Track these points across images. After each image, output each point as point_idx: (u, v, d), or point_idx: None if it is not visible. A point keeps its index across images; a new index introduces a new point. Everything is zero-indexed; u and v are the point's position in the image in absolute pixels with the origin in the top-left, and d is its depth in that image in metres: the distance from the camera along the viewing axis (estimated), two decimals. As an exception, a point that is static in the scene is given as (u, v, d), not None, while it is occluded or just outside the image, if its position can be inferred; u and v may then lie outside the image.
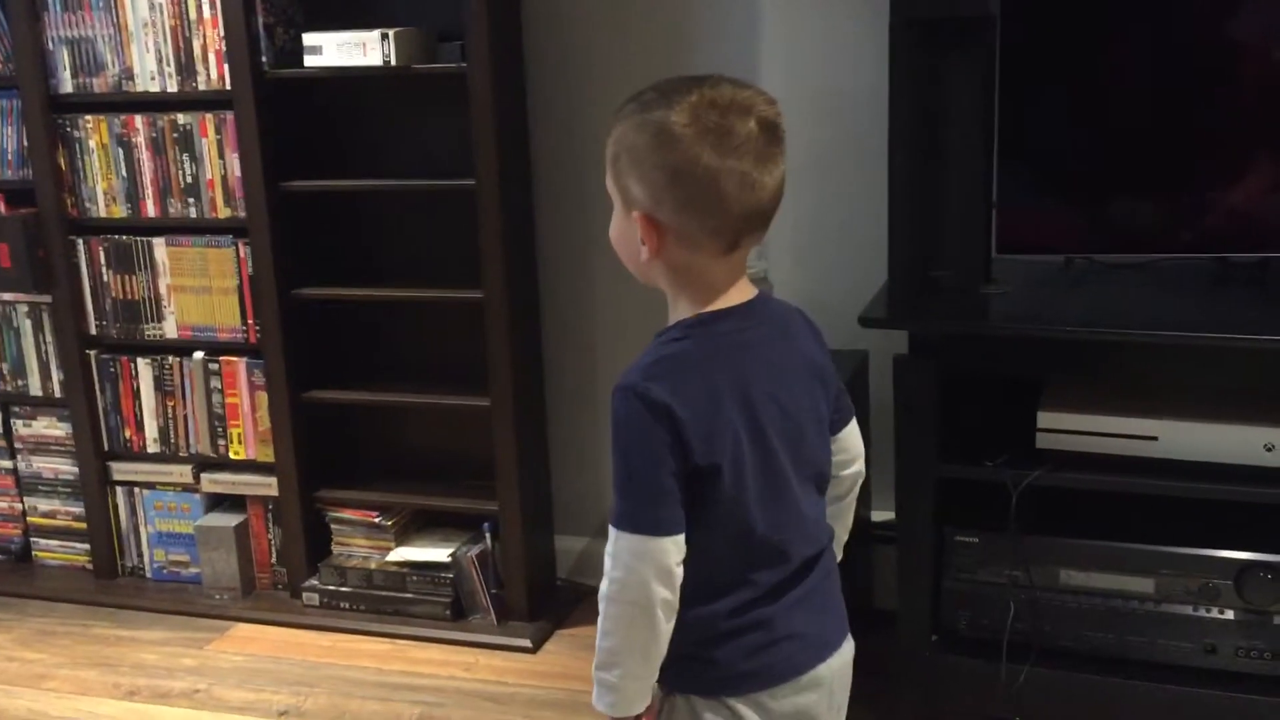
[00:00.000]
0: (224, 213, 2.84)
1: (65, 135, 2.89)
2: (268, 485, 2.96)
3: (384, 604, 2.89)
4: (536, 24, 2.76)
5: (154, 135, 2.83)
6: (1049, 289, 2.25)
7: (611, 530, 1.30)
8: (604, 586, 1.31)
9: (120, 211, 2.91)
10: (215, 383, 2.95)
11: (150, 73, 2.79)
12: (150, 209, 2.88)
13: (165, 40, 2.76)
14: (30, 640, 2.92)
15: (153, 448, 3.04)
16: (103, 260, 2.95)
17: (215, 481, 3.02)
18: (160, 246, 2.90)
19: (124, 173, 2.88)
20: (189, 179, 2.84)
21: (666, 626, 1.30)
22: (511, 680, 2.66)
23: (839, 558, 1.52)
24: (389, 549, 2.91)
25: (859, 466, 1.54)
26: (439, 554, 2.87)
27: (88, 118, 2.87)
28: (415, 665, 2.73)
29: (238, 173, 2.78)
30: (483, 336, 2.71)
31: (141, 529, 3.12)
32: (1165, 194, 2.17)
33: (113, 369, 3.01)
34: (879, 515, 2.60)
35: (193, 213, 2.86)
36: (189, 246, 2.88)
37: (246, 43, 2.67)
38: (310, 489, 2.94)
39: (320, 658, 2.78)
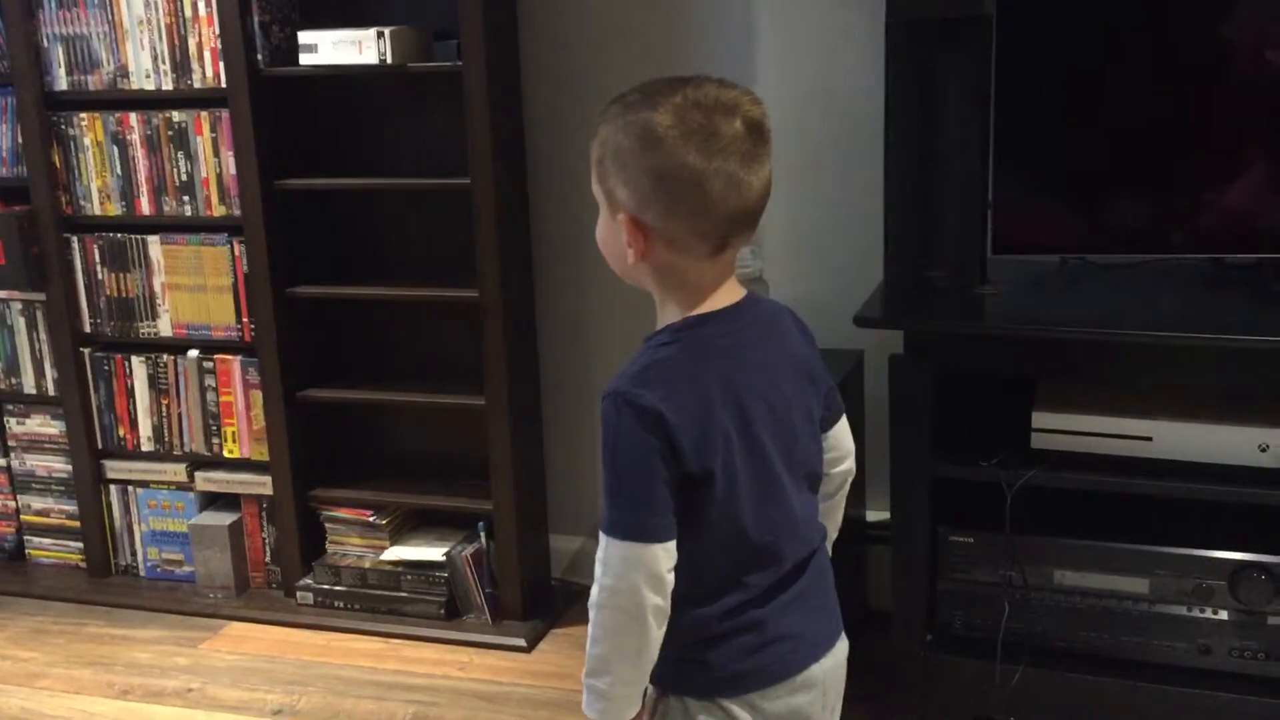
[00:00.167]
0: (219, 211, 2.83)
1: (60, 132, 2.88)
2: (262, 484, 2.96)
3: (378, 603, 2.89)
4: (532, 23, 2.76)
5: (149, 133, 2.83)
6: (1044, 289, 2.25)
7: (602, 537, 1.29)
8: (594, 593, 1.30)
9: (115, 209, 2.90)
10: (210, 381, 2.95)
11: (145, 70, 2.79)
12: (145, 207, 2.88)
13: (160, 38, 2.76)
14: (23, 639, 2.91)
15: (147, 446, 3.04)
16: (97, 258, 2.94)
17: (209, 480, 3.02)
18: (155, 244, 2.90)
19: (119, 170, 2.87)
20: (184, 177, 2.83)
21: (658, 633, 1.30)
22: (506, 679, 2.66)
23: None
24: (383, 548, 2.91)
25: (849, 464, 1.54)
26: (434, 553, 2.86)
27: (82, 115, 2.86)
28: (409, 664, 2.73)
29: (233, 171, 2.78)
30: (478, 335, 2.71)
31: (135, 527, 3.11)
32: (1160, 194, 2.17)
33: (107, 367, 3.01)
34: (874, 515, 2.61)
35: (187, 211, 2.85)
36: (184, 244, 2.88)
37: (242, 40, 2.66)
38: (305, 488, 2.94)
39: (314, 657, 2.78)
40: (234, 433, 2.96)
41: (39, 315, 3.04)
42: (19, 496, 3.20)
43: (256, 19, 2.67)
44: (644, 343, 1.35)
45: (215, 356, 2.93)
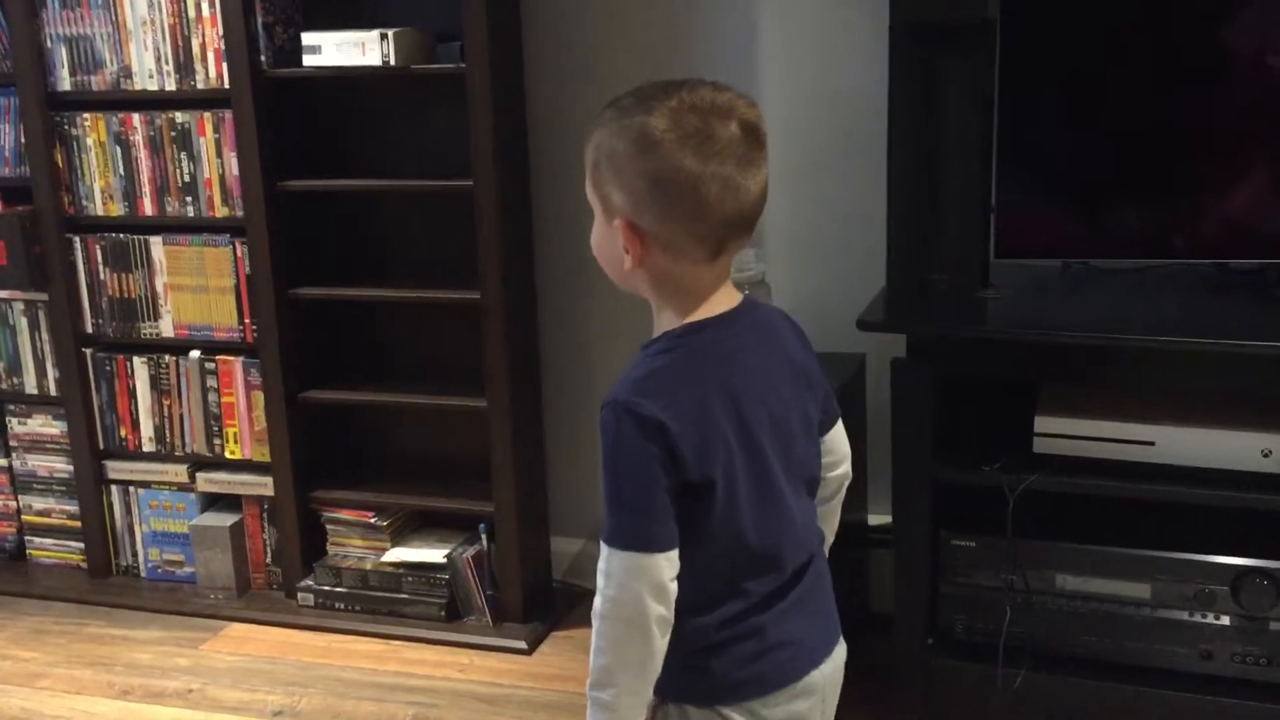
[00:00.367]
0: (221, 212, 2.83)
1: (63, 133, 2.88)
2: (263, 485, 2.96)
3: (379, 604, 2.89)
4: (536, 25, 2.76)
5: (152, 134, 2.83)
6: (1047, 293, 2.25)
7: (603, 547, 1.28)
8: (597, 604, 1.29)
9: (117, 210, 2.90)
10: (211, 382, 2.95)
11: (149, 71, 2.79)
12: (148, 207, 2.88)
13: (164, 38, 2.76)
14: (24, 639, 2.91)
15: (148, 447, 3.03)
16: (99, 258, 2.94)
17: (211, 481, 3.02)
18: (157, 245, 2.90)
19: (121, 171, 2.87)
20: (187, 178, 2.83)
21: (661, 643, 1.29)
22: (506, 682, 2.65)
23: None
24: (384, 549, 2.90)
25: (845, 468, 1.54)
26: (434, 555, 2.86)
27: (86, 115, 2.86)
28: (410, 666, 2.73)
29: (235, 172, 2.78)
30: (480, 337, 2.71)
31: (136, 528, 3.11)
32: (1163, 199, 2.17)
33: (108, 367, 3.01)
34: (875, 518, 2.60)
35: (190, 211, 2.85)
36: (186, 245, 2.88)
37: (245, 42, 2.66)
38: (306, 489, 2.93)
39: (315, 658, 2.78)
40: (235, 434, 2.96)
41: (41, 315, 3.04)
42: (20, 497, 3.20)
43: (260, 20, 2.67)
44: (641, 350, 1.34)
45: (217, 357, 2.93)
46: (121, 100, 2.84)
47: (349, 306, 2.90)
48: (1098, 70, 2.15)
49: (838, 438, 1.51)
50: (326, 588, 2.93)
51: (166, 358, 2.97)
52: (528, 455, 2.86)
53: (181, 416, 2.99)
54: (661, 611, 1.27)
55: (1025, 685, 2.13)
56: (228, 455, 2.98)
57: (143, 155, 2.85)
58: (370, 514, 2.92)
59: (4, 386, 3.11)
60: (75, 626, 2.96)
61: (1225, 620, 2.07)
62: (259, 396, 2.90)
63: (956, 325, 2.15)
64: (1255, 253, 2.14)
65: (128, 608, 3.03)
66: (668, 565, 1.27)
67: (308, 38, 2.63)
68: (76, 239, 2.94)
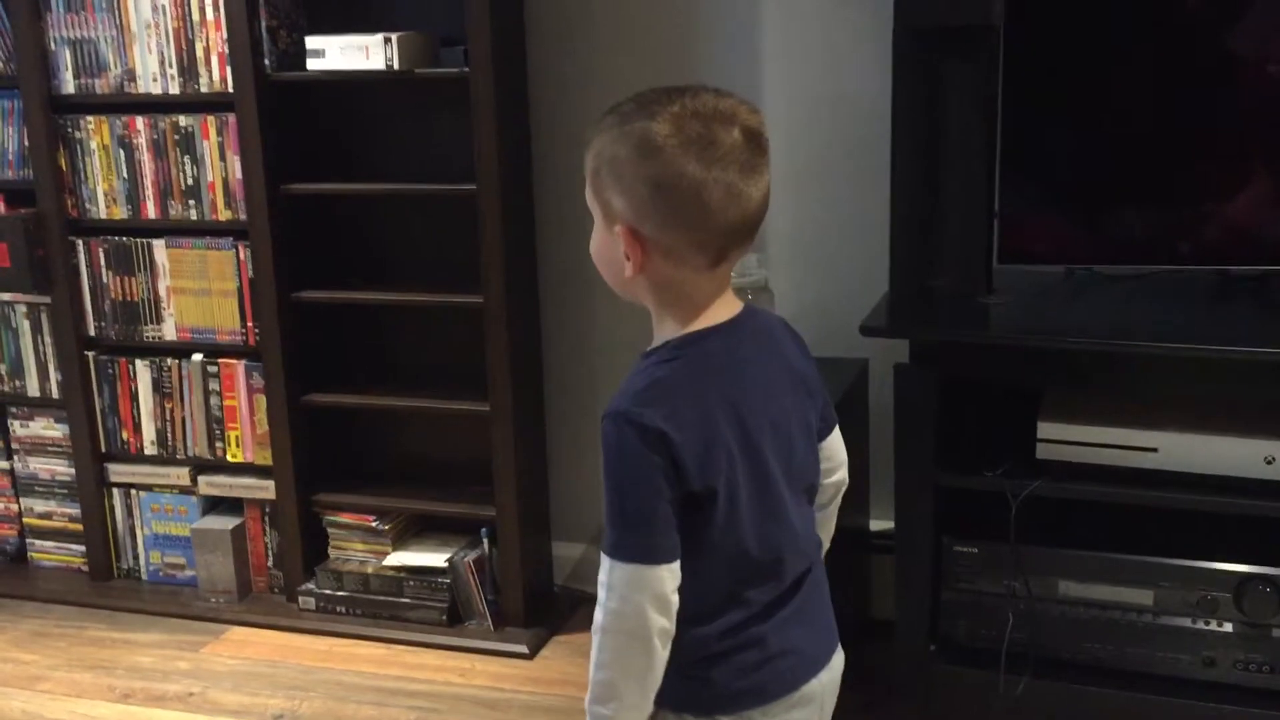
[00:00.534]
0: (224, 215, 2.83)
1: (66, 136, 2.89)
2: (265, 488, 2.96)
3: (380, 609, 2.89)
4: (539, 29, 2.76)
5: (155, 137, 2.83)
6: (1050, 299, 2.24)
7: (605, 559, 1.27)
8: (598, 617, 1.28)
9: (120, 213, 2.90)
10: (214, 385, 2.95)
11: (152, 74, 2.79)
12: (151, 210, 2.88)
13: (168, 42, 2.76)
14: (25, 642, 2.91)
15: (150, 450, 3.03)
16: (102, 261, 2.94)
17: (212, 484, 3.02)
18: (160, 248, 2.90)
19: (125, 174, 2.87)
20: (190, 181, 2.84)
21: (663, 655, 1.28)
22: (507, 686, 2.65)
23: None
24: (386, 553, 2.90)
25: (842, 474, 1.53)
26: (436, 559, 2.86)
27: (89, 118, 2.87)
28: (411, 670, 2.72)
29: (239, 175, 2.78)
30: (482, 341, 2.71)
31: (138, 531, 3.11)
32: (1167, 205, 2.17)
33: (111, 370, 3.01)
34: (878, 524, 2.60)
35: (193, 215, 2.86)
36: (189, 248, 2.88)
37: (249, 45, 2.66)
38: (307, 492, 2.93)
39: (316, 662, 2.77)
40: (237, 437, 2.96)
41: (44, 318, 3.04)
42: (22, 499, 3.20)
43: (264, 24, 2.67)
44: (641, 359, 1.33)
45: (219, 360, 2.93)
46: (125, 103, 2.84)
47: (351, 310, 2.90)
48: (1101, 75, 2.15)
49: (835, 444, 1.51)
50: (328, 591, 2.92)
51: (169, 361, 2.97)
52: (529, 459, 2.86)
53: (183, 419, 2.99)
54: (664, 624, 1.26)
55: (1028, 692, 2.12)
56: (229, 458, 2.98)
57: (146, 158, 2.85)
58: (372, 518, 2.92)
59: (6, 389, 3.11)
60: (76, 629, 2.96)
61: (1228, 627, 2.07)
62: (261, 400, 2.90)
63: (959, 331, 2.14)
64: (1258, 259, 2.14)
65: (129, 611, 3.03)
66: (670, 577, 1.26)
67: (311, 41, 2.63)
68: (79, 242, 2.94)
